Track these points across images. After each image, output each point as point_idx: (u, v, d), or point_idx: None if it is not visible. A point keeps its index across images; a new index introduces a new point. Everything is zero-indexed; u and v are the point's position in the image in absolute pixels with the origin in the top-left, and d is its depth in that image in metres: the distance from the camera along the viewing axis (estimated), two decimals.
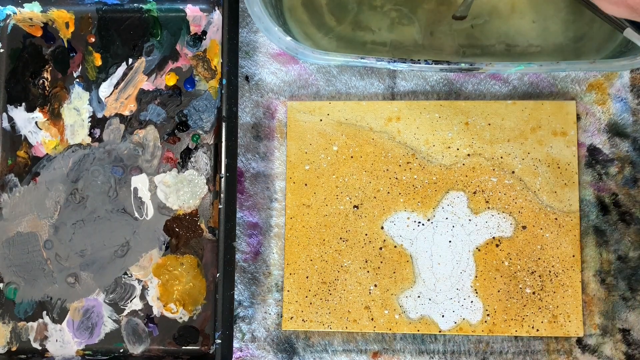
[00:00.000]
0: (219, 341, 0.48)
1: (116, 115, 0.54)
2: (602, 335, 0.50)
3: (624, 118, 0.52)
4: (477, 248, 0.50)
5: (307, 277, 0.51)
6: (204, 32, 0.54)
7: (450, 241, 0.51)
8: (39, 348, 0.52)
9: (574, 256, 0.50)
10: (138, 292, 0.52)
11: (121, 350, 0.51)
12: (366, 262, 0.51)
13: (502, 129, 0.51)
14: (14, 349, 0.52)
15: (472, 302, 0.50)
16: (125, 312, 0.52)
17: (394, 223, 0.51)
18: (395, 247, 0.51)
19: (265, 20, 0.46)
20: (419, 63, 0.47)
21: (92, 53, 0.54)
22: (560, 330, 0.49)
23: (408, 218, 0.51)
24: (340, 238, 0.51)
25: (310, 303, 0.50)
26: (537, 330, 0.49)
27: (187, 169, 0.53)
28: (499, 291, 0.50)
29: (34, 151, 0.54)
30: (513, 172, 0.51)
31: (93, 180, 0.53)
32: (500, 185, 0.51)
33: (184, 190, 0.52)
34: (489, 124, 0.51)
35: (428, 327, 0.50)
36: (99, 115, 0.54)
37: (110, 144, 0.53)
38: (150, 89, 0.54)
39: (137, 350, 0.51)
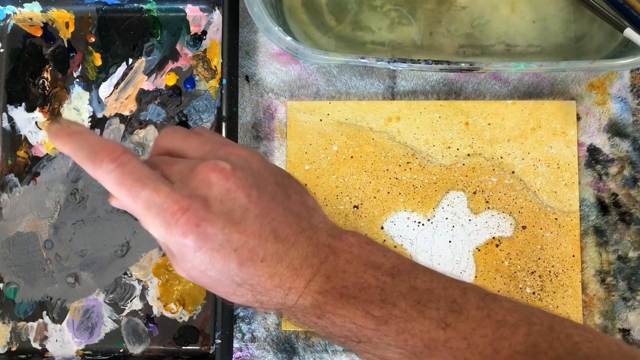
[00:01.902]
0: (219, 341, 0.48)
1: (116, 115, 0.54)
2: None
3: (624, 118, 0.52)
4: (477, 248, 0.50)
5: None
6: (204, 32, 0.54)
7: (450, 241, 0.51)
8: (39, 348, 0.52)
9: (574, 256, 0.50)
10: (138, 292, 0.52)
11: (121, 350, 0.51)
12: None
13: (502, 129, 0.51)
14: (14, 349, 0.52)
15: None
16: (125, 312, 0.52)
17: (394, 223, 0.51)
18: (395, 247, 0.51)
19: (265, 20, 0.46)
20: (419, 63, 0.47)
21: (92, 53, 0.54)
22: None
23: (408, 218, 0.51)
24: None
25: None
26: None
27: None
28: (499, 291, 0.50)
29: (34, 151, 0.54)
30: (513, 172, 0.51)
31: (93, 180, 0.53)
32: (500, 185, 0.51)
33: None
34: (489, 124, 0.51)
35: None
36: (99, 115, 0.54)
37: None
38: (150, 89, 0.54)
39: (137, 350, 0.51)
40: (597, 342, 0.31)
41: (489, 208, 0.51)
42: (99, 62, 0.54)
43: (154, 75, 0.54)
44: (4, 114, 0.54)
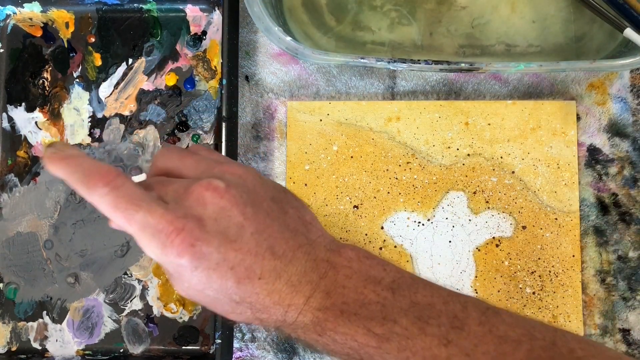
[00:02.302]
0: (219, 341, 0.48)
1: (116, 115, 0.54)
2: (602, 335, 0.50)
3: (624, 118, 0.52)
4: (477, 248, 0.50)
5: None
6: (204, 32, 0.54)
7: (450, 241, 0.51)
8: (39, 348, 0.52)
9: (574, 256, 0.50)
10: (138, 292, 0.52)
11: (121, 350, 0.51)
12: None
13: (502, 129, 0.51)
14: (14, 349, 0.52)
15: None
16: (125, 312, 0.52)
17: (394, 223, 0.51)
18: (395, 247, 0.51)
19: (265, 20, 0.46)
20: (419, 63, 0.47)
21: (92, 53, 0.54)
22: None
23: (408, 218, 0.51)
24: (340, 238, 0.51)
25: None
26: None
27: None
28: (499, 291, 0.50)
29: (34, 151, 0.54)
30: (513, 172, 0.51)
31: None
32: (500, 185, 0.51)
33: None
34: (489, 124, 0.51)
35: None
36: (99, 115, 0.54)
37: (110, 144, 0.53)
38: (150, 89, 0.54)
39: (137, 350, 0.51)
40: (600, 357, 0.30)
41: (489, 208, 0.51)
42: (99, 62, 0.54)
43: (154, 75, 0.54)
44: (4, 114, 0.54)
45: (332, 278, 0.31)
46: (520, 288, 0.50)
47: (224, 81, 0.50)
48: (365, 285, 0.31)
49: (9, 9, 0.54)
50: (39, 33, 0.55)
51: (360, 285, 0.31)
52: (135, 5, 0.54)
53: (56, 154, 0.30)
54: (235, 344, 0.51)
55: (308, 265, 0.31)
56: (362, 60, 0.47)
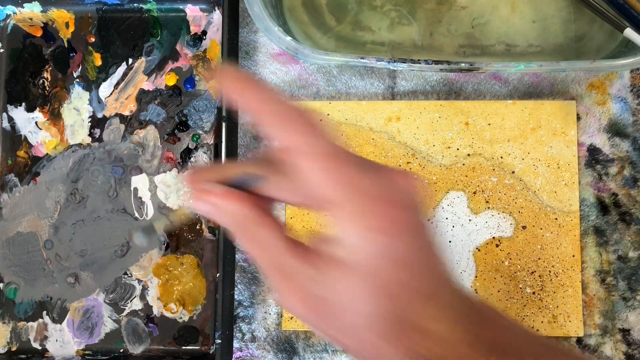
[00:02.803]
0: (219, 341, 0.48)
1: (116, 115, 0.54)
2: (602, 335, 0.50)
3: (624, 118, 0.52)
4: (477, 248, 0.50)
5: None
6: (204, 32, 0.54)
7: (450, 241, 0.51)
8: (39, 348, 0.52)
9: (574, 256, 0.50)
10: (138, 292, 0.52)
11: (121, 350, 0.51)
12: None
13: (502, 129, 0.51)
14: (14, 349, 0.52)
15: None
16: (125, 312, 0.52)
17: None
18: None
19: (265, 20, 0.46)
20: (419, 63, 0.47)
21: (92, 53, 0.54)
22: (560, 330, 0.49)
23: None
24: None
25: None
26: (537, 330, 0.49)
27: (188, 169, 0.53)
28: (499, 291, 0.50)
29: (34, 151, 0.54)
30: (513, 172, 0.51)
31: (93, 180, 0.53)
32: (500, 185, 0.51)
33: (184, 190, 0.52)
34: (489, 124, 0.51)
35: None
36: (99, 115, 0.54)
37: (110, 144, 0.53)
38: (150, 89, 0.54)
39: (137, 350, 0.51)
40: None
41: (489, 208, 0.51)
42: (99, 62, 0.54)
43: (154, 75, 0.54)
44: (4, 114, 0.54)
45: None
46: (520, 288, 0.50)
47: None
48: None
49: (9, 9, 0.54)
50: (39, 33, 0.55)
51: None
52: (135, 5, 0.54)
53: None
54: (235, 344, 0.51)
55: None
56: (362, 60, 0.47)
